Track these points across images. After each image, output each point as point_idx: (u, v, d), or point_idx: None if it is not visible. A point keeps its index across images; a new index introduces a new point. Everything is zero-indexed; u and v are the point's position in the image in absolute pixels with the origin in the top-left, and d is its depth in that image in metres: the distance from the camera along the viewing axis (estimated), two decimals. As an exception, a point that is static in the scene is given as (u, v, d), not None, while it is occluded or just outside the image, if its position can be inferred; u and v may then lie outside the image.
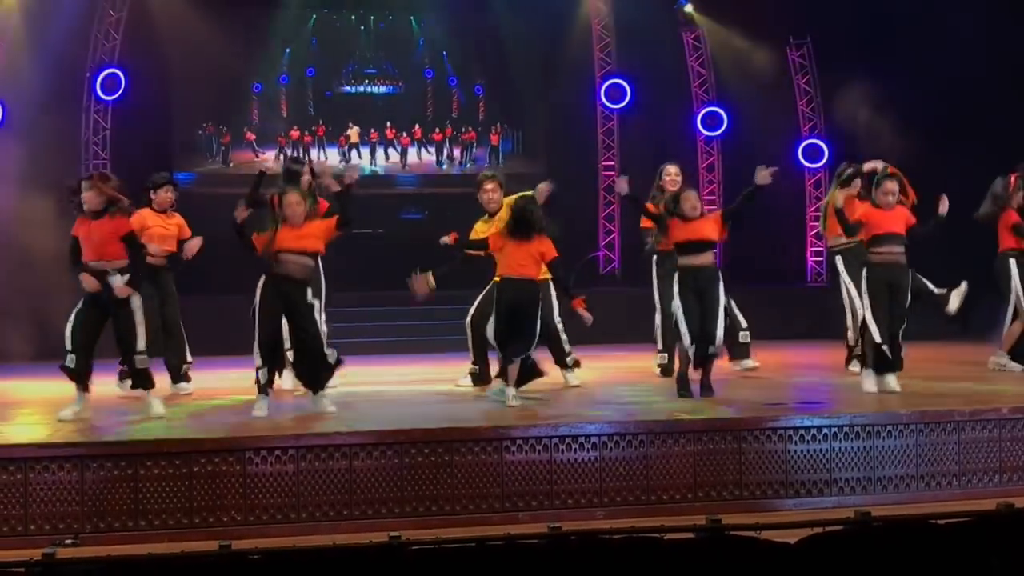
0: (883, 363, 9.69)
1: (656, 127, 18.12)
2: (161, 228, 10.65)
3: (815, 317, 12.92)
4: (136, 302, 8.78)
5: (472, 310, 10.56)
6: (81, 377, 8.79)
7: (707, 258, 9.67)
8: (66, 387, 9.03)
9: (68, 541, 7.20)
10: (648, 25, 17.96)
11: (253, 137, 18.96)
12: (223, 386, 10.98)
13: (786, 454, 8.30)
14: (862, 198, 10.70)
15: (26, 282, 13.54)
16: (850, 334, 11.18)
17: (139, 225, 9.99)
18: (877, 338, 9.63)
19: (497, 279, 9.59)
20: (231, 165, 18.86)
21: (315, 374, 9.12)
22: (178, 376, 10.80)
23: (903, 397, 9.42)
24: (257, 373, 8.98)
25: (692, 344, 9.47)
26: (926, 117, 15.88)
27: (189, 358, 10.94)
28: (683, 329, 9.50)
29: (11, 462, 7.41)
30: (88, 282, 8.80)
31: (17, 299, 13.91)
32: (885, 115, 16.39)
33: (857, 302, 10.35)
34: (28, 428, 8.68)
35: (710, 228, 9.66)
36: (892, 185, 9.87)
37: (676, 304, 9.55)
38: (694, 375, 9.65)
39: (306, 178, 10.27)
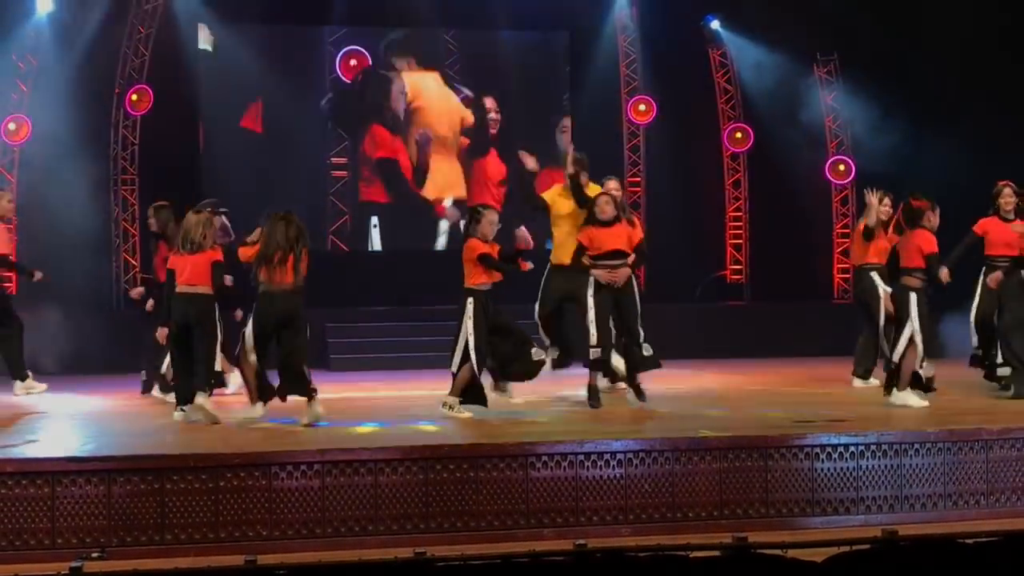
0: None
1: (682, 143, 18.10)
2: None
3: (841, 333, 12.89)
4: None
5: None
6: (260, 390, 9.30)
7: None
8: (95, 401, 9.07)
9: (95, 555, 7.24)
10: (674, 41, 17.95)
11: None
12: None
13: (813, 472, 8.27)
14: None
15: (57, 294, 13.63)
16: None
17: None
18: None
19: None
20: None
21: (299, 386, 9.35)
22: (167, 387, 10.79)
23: (931, 415, 9.38)
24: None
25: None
26: (952, 132, 15.82)
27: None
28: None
29: (39, 476, 7.45)
30: None
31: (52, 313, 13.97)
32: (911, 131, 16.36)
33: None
34: (55, 442, 8.73)
35: None
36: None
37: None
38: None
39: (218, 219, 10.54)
